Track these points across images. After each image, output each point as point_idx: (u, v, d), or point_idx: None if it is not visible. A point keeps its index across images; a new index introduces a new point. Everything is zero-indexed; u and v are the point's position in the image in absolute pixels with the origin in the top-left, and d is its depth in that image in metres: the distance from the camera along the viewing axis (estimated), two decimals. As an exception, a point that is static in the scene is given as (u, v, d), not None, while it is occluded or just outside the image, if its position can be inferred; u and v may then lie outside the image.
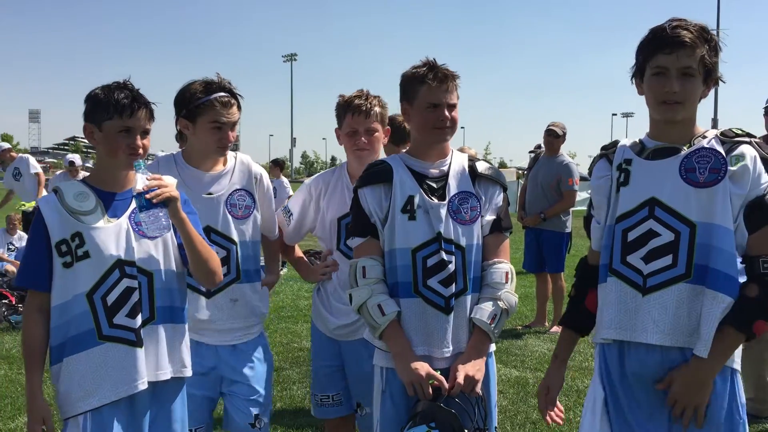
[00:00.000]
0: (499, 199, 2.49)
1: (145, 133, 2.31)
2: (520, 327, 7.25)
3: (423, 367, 2.28)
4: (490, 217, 2.46)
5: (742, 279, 2.02)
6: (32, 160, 10.12)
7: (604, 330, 2.15)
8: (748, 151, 2.03)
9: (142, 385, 2.27)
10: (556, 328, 7.04)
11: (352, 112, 2.92)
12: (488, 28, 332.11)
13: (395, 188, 2.40)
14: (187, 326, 2.46)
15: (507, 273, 2.43)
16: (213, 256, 2.42)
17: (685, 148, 2.07)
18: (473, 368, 2.31)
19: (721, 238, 1.99)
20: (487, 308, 2.38)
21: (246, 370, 2.81)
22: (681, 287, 2.02)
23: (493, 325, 2.37)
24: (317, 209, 3.05)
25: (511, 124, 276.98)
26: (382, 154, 3.03)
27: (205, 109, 2.68)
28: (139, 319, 2.27)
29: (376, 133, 2.95)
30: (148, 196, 2.20)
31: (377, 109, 2.93)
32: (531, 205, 7.22)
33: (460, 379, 2.28)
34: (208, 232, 2.70)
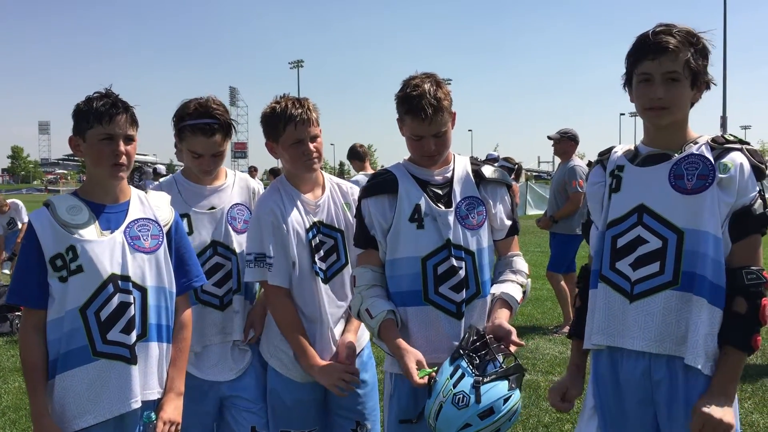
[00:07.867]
0: (507, 199, 2.53)
1: (129, 139, 2.25)
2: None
3: (414, 357, 2.25)
4: (508, 222, 2.51)
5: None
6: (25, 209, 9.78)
7: (593, 335, 2.14)
8: (737, 159, 2.00)
9: (136, 404, 2.21)
10: (567, 329, 7.04)
11: (293, 123, 2.60)
12: (494, 28, 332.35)
13: (401, 198, 2.41)
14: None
15: (526, 265, 2.55)
16: (188, 347, 2.46)
17: (676, 154, 2.05)
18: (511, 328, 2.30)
19: (708, 245, 1.96)
20: (517, 289, 2.46)
21: (245, 384, 2.77)
22: (668, 294, 2.01)
23: (519, 305, 2.46)
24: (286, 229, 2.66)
25: (519, 124, 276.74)
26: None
27: (185, 134, 2.67)
28: (134, 336, 2.21)
29: (319, 138, 2.68)
30: None
31: (314, 114, 2.66)
32: (548, 209, 7.60)
33: (507, 330, 2.28)
34: (215, 245, 2.73)
